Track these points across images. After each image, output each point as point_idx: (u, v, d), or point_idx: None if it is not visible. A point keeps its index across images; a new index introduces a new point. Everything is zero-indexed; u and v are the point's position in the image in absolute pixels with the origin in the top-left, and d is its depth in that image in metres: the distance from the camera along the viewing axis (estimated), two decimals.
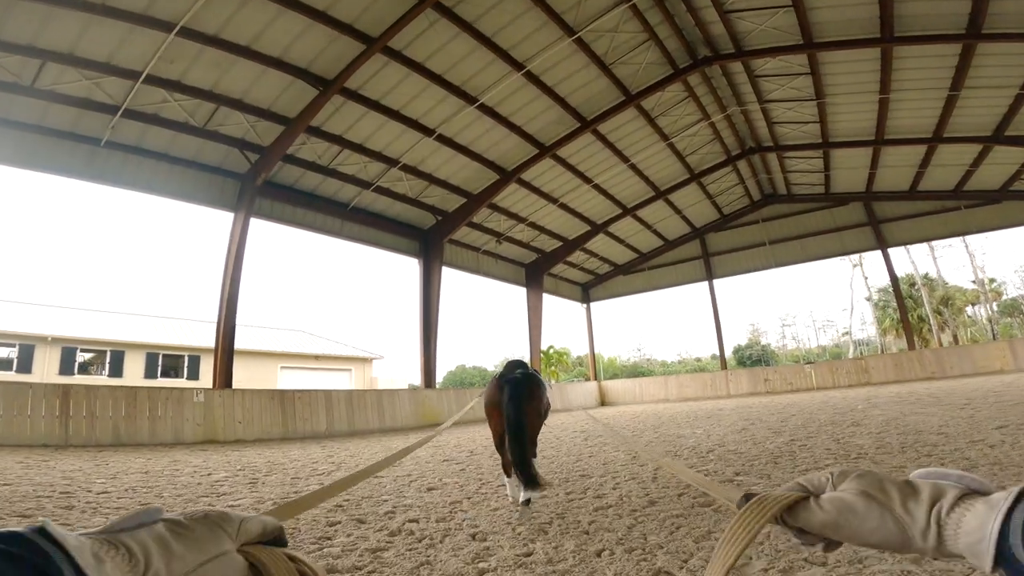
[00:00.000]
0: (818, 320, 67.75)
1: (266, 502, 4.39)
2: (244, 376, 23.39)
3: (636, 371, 49.22)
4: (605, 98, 13.70)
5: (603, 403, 21.76)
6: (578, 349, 39.39)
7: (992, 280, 33.76)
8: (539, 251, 20.13)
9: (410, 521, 3.56)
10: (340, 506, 4.10)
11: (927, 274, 31.97)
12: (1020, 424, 5.55)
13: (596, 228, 19.42)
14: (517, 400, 3.41)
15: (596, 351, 25.01)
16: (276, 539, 0.46)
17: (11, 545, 0.28)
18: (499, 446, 3.73)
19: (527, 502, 3.43)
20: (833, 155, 17.42)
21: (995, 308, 32.72)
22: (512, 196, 16.71)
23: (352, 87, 11.43)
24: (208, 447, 8.54)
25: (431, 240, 16.30)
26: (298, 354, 30.27)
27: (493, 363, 60.31)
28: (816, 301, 79.68)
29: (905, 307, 19.01)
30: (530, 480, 3.15)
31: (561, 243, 19.94)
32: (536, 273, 20.36)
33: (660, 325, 78.30)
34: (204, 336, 27.43)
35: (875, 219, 19.84)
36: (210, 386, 10.27)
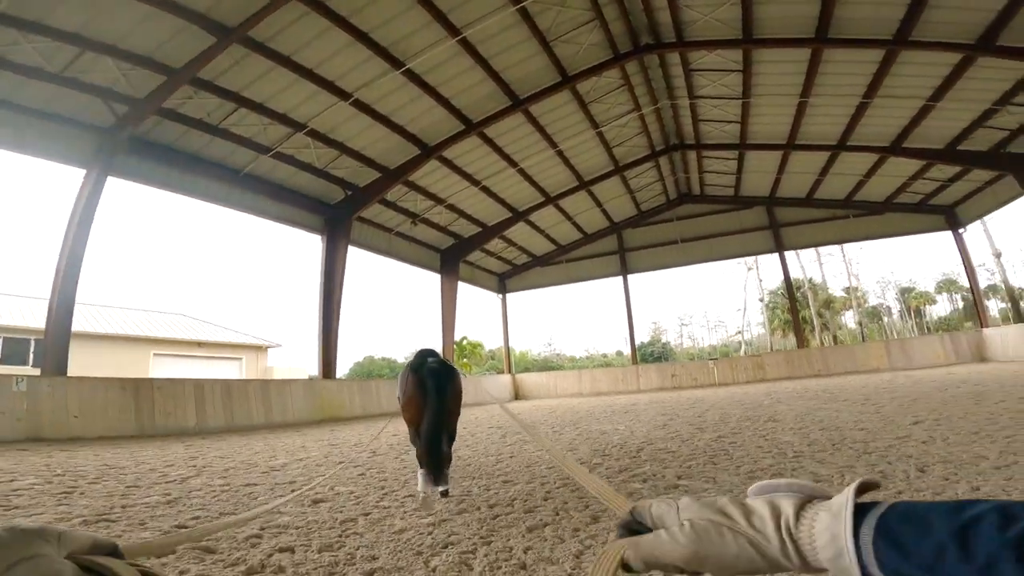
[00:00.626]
0: (711, 320, 72.91)
1: (73, 519, 3.15)
2: (106, 364, 20.20)
3: (547, 366, 49.84)
4: (542, 77, 13.04)
5: (517, 397, 21.31)
6: (491, 342, 39.02)
7: (856, 288, 38.14)
8: (456, 236, 19.16)
9: (281, 551, 2.56)
10: (182, 525, 2.99)
11: (811, 279, 35.35)
12: (935, 420, 5.60)
13: (517, 215, 18.82)
14: (441, 389, 3.35)
15: (510, 344, 24.55)
16: (111, 555, 0.42)
17: None
18: (415, 438, 3.59)
19: (445, 492, 3.39)
20: (747, 158, 18.17)
21: (857, 313, 36.98)
22: (432, 175, 15.58)
23: (259, 38, 9.81)
24: (29, 447, 6.72)
25: (338, 216, 14.75)
26: (176, 340, 26.98)
27: (403, 354, 58.53)
28: (710, 302, 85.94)
29: (797, 308, 20.48)
30: (436, 469, 3.18)
31: (480, 229, 19.12)
32: (452, 259, 19.38)
33: (569, 320, 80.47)
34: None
35: (775, 223, 21.13)
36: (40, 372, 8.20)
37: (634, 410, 10.73)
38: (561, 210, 19.90)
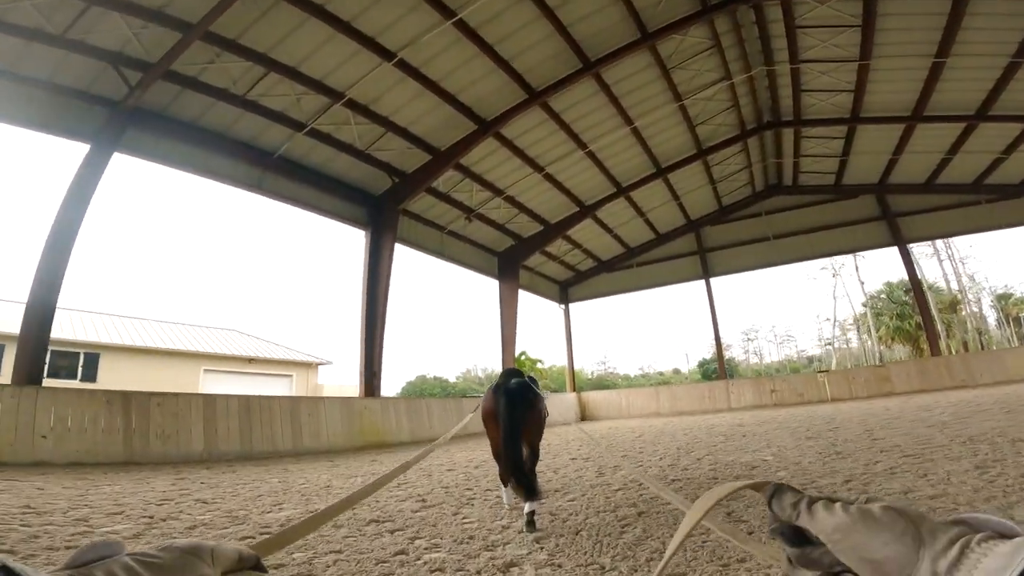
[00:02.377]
0: (779, 334, 67.06)
1: None
2: (152, 379, 19.35)
3: (601, 384, 46.67)
4: (617, 33, 10.86)
5: (584, 417, 18.73)
6: (549, 359, 36.41)
7: (970, 289, 32.79)
8: (516, 236, 17.04)
9: None
10: None
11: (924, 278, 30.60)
12: None
13: (584, 210, 16.53)
14: (512, 408, 3.39)
15: (573, 360, 22.02)
16: (254, 568, 0.42)
17: None
18: (497, 456, 3.70)
19: (531, 519, 3.17)
20: (857, 135, 15.21)
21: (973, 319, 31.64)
22: (488, 159, 13.59)
23: None
24: None
25: (383, 208, 12.97)
26: (227, 356, 26.22)
27: (456, 373, 56.76)
28: (778, 313, 79.43)
29: (928, 307, 17.01)
30: (528, 489, 3.14)
31: (542, 227, 16.93)
32: (511, 263, 17.25)
33: (621, 337, 76.41)
34: (105, 330, 23.04)
35: (890, 213, 17.83)
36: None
37: (752, 431, 8.11)
38: (633, 204, 17.44)
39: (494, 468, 4.44)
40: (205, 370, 25.67)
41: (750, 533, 2.54)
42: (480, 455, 7.73)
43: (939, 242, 29.87)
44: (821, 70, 12.75)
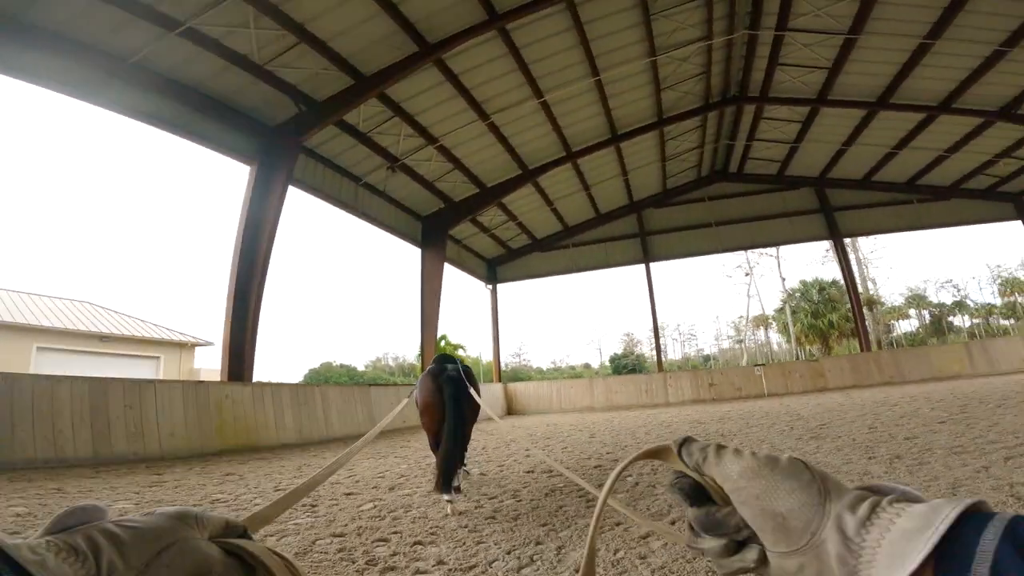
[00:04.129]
0: (683, 332, 70.01)
1: None
2: None
3: (516, 377, 45.34)
4: None
5: (510, 411, 16.72)
6: (471, 346, 34.05)
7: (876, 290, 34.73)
8: (445, 198, 14.49)
9: None
10: None
11: (833, 279, 32.08)
12: None
13: (528, 174, 14.37)
14: (459, 398, 3.34)
15: (490, 346, 19.91)
16: (242, 536, 0.40)
17: None
18: (434, 446, 3.65)
19: (458, 488, 3.40)
20: (816, 121, 14.60)
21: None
22: (426, 95, 10.93)
23: None
24: None
25: (281, 140, 9.91)
26: (70, 331, 21.21)
27: (365, 361, 52.37)
28: (682, 312, 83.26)
29: (861, 303, 17.00)
30: (447, 479, 3.16)
31: (477, 190, 14.52)
32: (437, 230, 14.68)
33: (535, 328, 75.90)
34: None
35: (828, 206, 17.67)
36: None
37: (721, 430, 6.51)
38: (579, 174, 15.62)
39: (417, 488, 3.85)
40: (38, 348, 20.66)
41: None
42: (395, 466, 5.35)
43: (846, 242, 31.51)
44: (805, 42, 11.68)
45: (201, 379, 9.07)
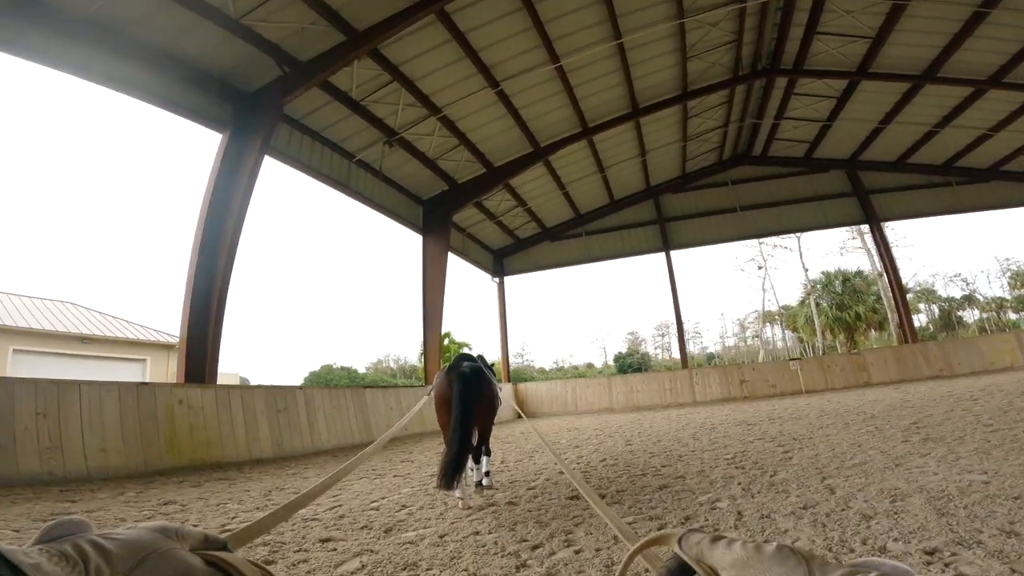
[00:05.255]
0: (688, 330, 68.52)
1: None
2: None
3: (519, 378, 43.98)
4: None
5: (520, 413, 15.35)
6: (477, 343, 32.47)
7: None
8: (449, 179, 13.17)
9: None
10: None
11: (859, 269, 30.52)
12: None
13: (539, 152, 13.04)
14: (466, 396, 3.34)
15: (498, 343, 18.57)
16: (222, 550, 0.43)
17: None
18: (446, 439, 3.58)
19: (479, 483, 3.70)
20: (853, 97, 13.34)
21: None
22: (429, 56, 9.64)
23: None
24: None
25: (259, 105, 8.61)
26: (50, 333, 19.99)
27: (366, 363, 50.99)
28: (687, 310, 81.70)
29: (905, 291, 15.64)
30: (445, 477, 3.08)
31: (483, 170, 13.20)
32: (440, 215, 13.34)
33: (537, 327, 74.43)
34: None
35: (862, 189, 16.34)
36: None
37: (765, 431, 5.19)
38: (595, 153, 14.31)
39: (426, 528, 2.96)
40: (15, 350, 19.47)
41: None
42: (394, 490, 4.06)
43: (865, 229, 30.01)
44: (847, 8, 10.45)
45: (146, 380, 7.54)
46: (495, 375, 4.22)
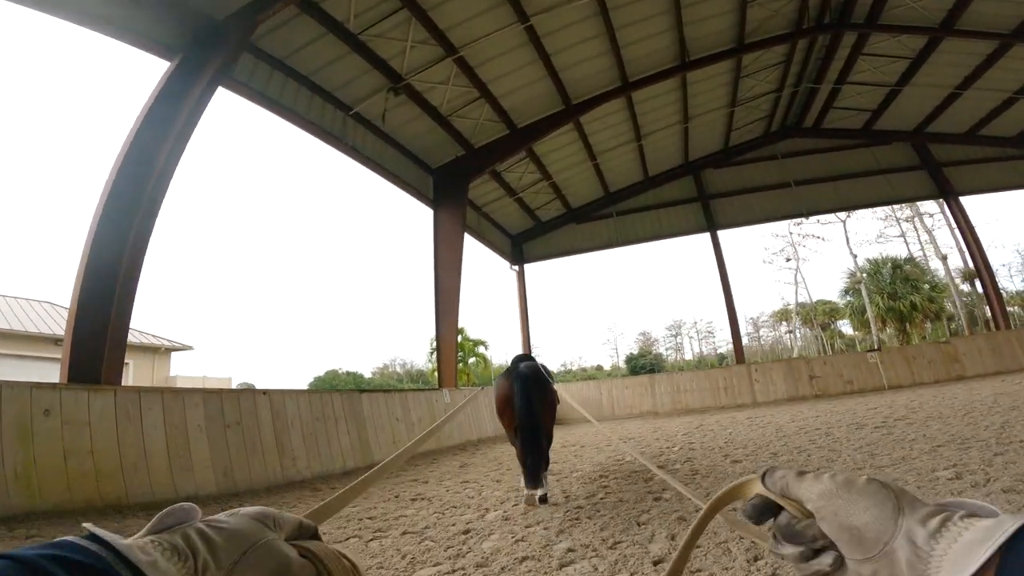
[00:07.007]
0: (701, 329, 66.33)
1: None
2: None
3: None
4: None
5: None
6: (493, 342, 30.31)
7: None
8: (464, 143, 11.19)
9: None
10: None
11: (909, 254, 28.31)
12: None
13: (571, 110, 11.05)
14: (527, 395, 3.45)
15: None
16: (312, 538, 0.43)
17: (68, 552, 0.28)
18: (513, 440, 3.73)
19: (543, 498, 3.46)
20: (931, 59, 11.52)
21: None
22: None
23: None
24: None
25: (220, 30, 6.64)
26: (22, 334, 18.40)
27: (372, 367, 49.06)
28: (697, 310, 79.55)
29: (993, 273, 13.66)
30: (533, 474, 3.32)
31: (506, 131, 11.21)
32: (455, 184, 11.31)
33: (548, 324, 72.48)
34: None
35: (934, 162, 14.37)
36: None
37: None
38: (632, 116, 12.34)
39: None
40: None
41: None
42: (416, 521, 2.08)
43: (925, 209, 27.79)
44: None
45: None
46: (551, 375, 4.05)
